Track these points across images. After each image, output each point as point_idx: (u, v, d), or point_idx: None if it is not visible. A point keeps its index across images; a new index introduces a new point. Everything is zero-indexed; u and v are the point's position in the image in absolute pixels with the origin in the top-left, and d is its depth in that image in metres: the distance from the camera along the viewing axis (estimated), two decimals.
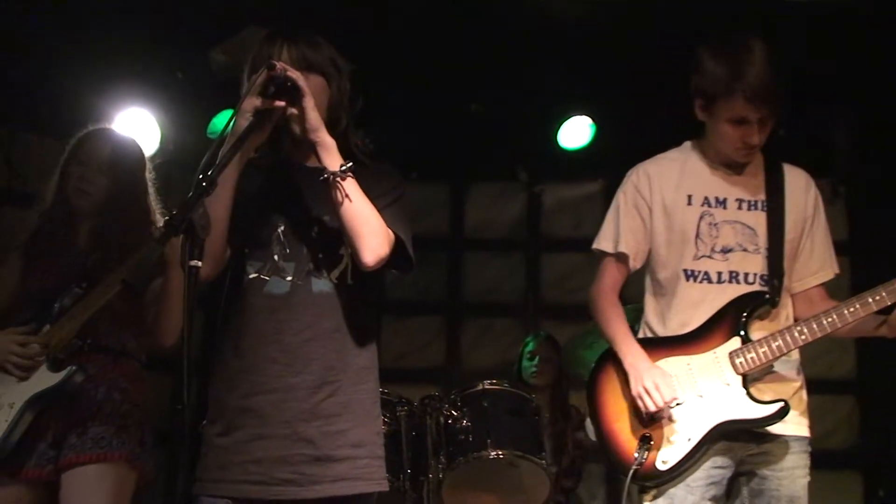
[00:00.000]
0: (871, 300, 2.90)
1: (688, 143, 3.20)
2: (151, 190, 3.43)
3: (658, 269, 3.12)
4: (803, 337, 2.93)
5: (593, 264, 3.27)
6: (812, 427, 3.02)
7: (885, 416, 5.85)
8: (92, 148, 3.34)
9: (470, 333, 6.63)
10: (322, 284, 2.53)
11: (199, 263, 1.95)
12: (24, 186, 5.11)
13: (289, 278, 2.52)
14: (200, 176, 1.99)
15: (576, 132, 5.98)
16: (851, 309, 2.91)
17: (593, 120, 5.93)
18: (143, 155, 3.47)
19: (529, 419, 3.91)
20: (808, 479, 2.98)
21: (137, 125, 5.17)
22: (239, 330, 2.54)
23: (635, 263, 3.15)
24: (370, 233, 2.44)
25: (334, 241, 2.51)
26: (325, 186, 2.43)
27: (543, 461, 3.82)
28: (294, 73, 2.37)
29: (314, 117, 2.40)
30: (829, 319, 2.91)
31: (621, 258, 3.15)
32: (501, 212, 6.74)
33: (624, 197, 3.17)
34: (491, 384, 3.92)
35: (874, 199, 5.95)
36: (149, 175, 3.44)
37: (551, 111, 5.97)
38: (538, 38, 5.12)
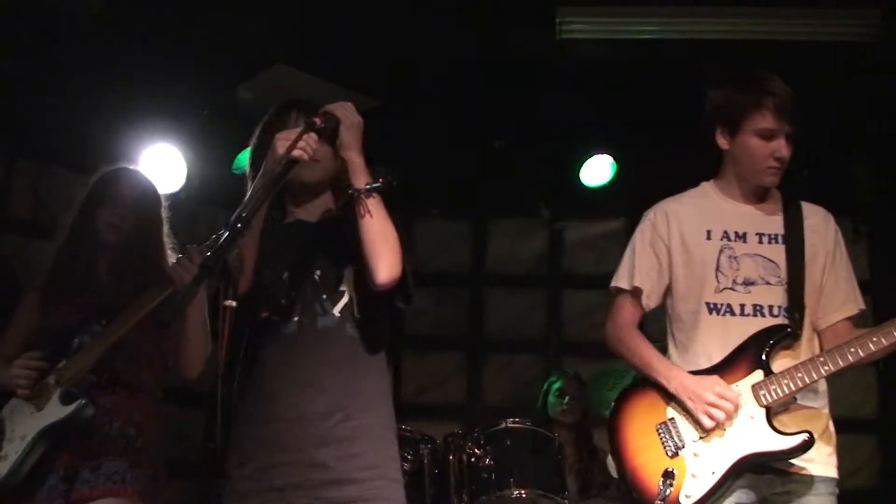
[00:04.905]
0: (893, 330, 2.86)
1: (705, 184, 3.23)
2: (165, 227, 3.50)
3: (678, 304, 3.11)
4: (826, 368, 2.89)
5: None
6: (840, 467, 2.96)
7: None
8: (120, 186, 3.42)
9: (491, 369, 6.61)
10: (327, 320, 2.66)
11: (234, 303, 2.00)
12: (51, 219, 5.15)
13: (296, 318, 2.65)
14: (235, 218, 2.04)
15: (597, 170, 6.02)
16: (874, 339, 2.87)
17: (614, 158, 5.96)
18: (159, 193, 3.55)
19: (552, 458, 3.91)
20: None
21: (163, 161, 5.22)
22: (252, 366, 2.65)
23: (649, 301, 3.16)
24: (389, 251, 2.56)
25: (334, 280, 2.66)
26: (333, 226, 2.62)
27: (566, 500, 3.81)
28: (329, 107, 2.54)
29: (347, 137, 2.56)
30: (852, 349, 2.88)
31: (636, 294, 3.16)
32: (523, 248, 6.74)
33: (641, 236, 3.20)
34: (514, 422, 3.94)
35: None
36: (164, 212, 3.51)
37: (573, 149, 6.01)
38: (561, 75, 5.17)
